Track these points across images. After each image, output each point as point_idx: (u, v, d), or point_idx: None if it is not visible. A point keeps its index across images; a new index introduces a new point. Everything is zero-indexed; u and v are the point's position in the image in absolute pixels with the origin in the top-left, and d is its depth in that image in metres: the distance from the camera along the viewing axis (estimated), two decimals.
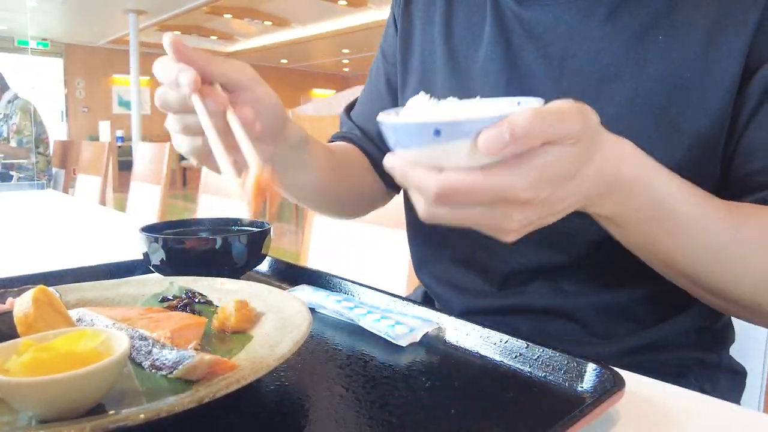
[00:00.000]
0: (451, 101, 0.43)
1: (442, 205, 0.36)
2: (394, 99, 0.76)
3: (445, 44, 0.67)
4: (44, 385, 0.31)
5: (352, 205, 0.79)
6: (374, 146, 0.76)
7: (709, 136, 0.52)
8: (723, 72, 0.50)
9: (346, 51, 11.74)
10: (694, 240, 0.45)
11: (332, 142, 0.80)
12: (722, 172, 0.54)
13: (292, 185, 0.65)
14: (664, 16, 0.53)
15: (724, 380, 0.64)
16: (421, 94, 0.40)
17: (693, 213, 0.44)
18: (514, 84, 0.60)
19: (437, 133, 0.34)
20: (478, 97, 0.45)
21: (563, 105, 0.35)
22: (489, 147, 0.33)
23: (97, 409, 0.34)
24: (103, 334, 0.37)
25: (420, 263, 0.74)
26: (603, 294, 0.59)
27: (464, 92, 0.63)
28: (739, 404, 0.60)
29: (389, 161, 0.38)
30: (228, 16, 8.81)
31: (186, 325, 0.43)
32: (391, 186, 0.79)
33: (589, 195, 0.40)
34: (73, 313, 0.46)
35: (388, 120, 0.36)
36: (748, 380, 0.67)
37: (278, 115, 0.53)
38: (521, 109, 0.34)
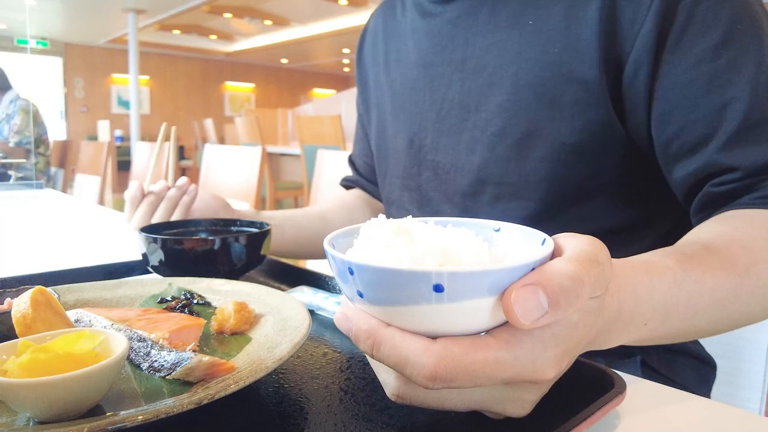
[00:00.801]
0: (419, 224, 0.33)
1: (432, 386, 0.26)
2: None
3: (386, 78, 0.77)
4: (42, 386, 0.31)
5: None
6: (373, 185, 0.92)
7: (588, 105, 0.55)
8: (585, 42, 0.54)
9: (346, 51, 11.73)
10: (689, 324, 0.43)
11: (344, 185, 0.98)
12: (647, 143, 0.56)
13: (283, 253, 0.87)
14: (532, 2, 0.58)
15: (689, 369, 0.63)
16: (381, 216, 0.33)
17: (696, 287, 0.42)
18: (435, 97, 0.68)
19: (438, 289, 0.25)
20: (449, 224, 0.35)
21: (594, 250, 0.29)
22: (524, 314, 0.25)
23: (95, 411, 0.34)
24: (101, 335, 0.37)
25: None
26: None
27: (403, 113, 0.73)
28: (709, 398, 0.59)
29: (343, 319, 0.30)
30: (228, 15, 8.81)
31: (184, 327, 0.43)
32: None
33: (592, 343, 0.35)
34: (72, 314, 0.46)
35: (353, 259, 0.28)
36: (748, 382, 0.67)
37: (217, 198, 0.83)
38: (546, 253, 0.27)
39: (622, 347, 0.59)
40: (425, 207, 0.70)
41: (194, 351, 0.39)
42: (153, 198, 0.75)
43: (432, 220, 0.37)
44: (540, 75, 0.56)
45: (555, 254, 0.30)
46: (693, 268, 0.43)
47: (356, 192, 0.96)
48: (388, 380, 0.30)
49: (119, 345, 0.36)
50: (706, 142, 0.50)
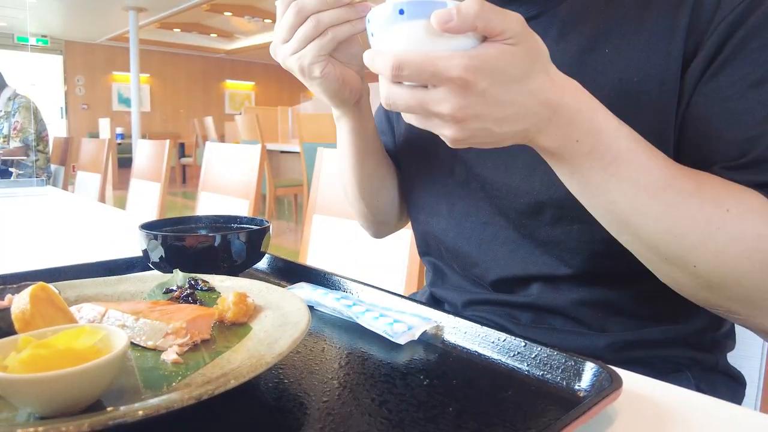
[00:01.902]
0: None
1: (396, 82, 0.41)
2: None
3: None
4: (43, 382, 0.31)
5: (384, 214, 0.83)
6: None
7: (662, 137, 0.54)
8: (666, 74, 0.53)
9: None
10: (633, 179, 0.46)
11: None
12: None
13: (364, 138, 0.72)
14: (607, 31, 0.57)
15: (722, 384, 0.64)
16: None
17: (632, 149, 0.46)
18: None
19: (401, 12, 0.40)
20: None
21: (509, 11, 0.40)
22: (437, 21, 0.38)
23: (95, 406, 0.34)
24: (102, 330, 0.37)
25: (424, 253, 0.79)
26: (595, 293, 0.59)
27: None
28: None
29: (366, 56, 0.43)
30: (228, 13, 8.80)
31: (198, 316, 0.45)
32: None
33: (531, 115, 0.42)
34: (78, 308, 0.47)
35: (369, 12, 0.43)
36: (744, 378, 0.67)
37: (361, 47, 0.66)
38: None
39: (672, 363, 0.60)
40: (472, 216, 0.68)
41: (204, 340, 0.41)
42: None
43: None
44: (615, 104, 0.54)
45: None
46: (640, 139, 0.47)
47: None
48: (446, 100, 0.40)
49: (120, 340, 0.36)
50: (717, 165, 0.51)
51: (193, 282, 0.56)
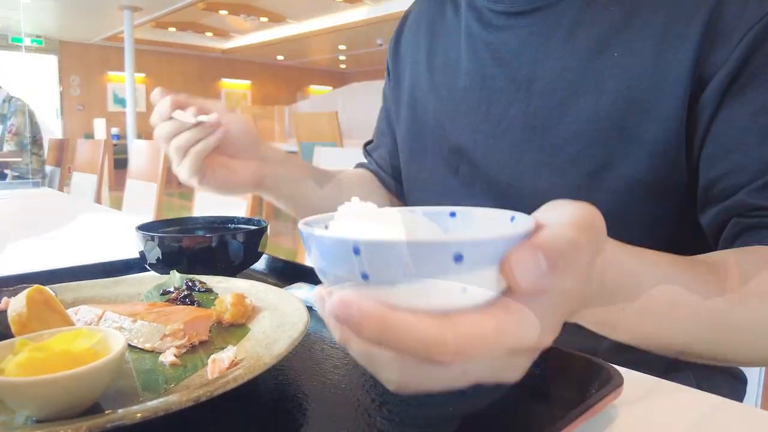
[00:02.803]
0: (388, 212, 0.33)
1: (453, 362, 0.25)
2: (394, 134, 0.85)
3: (430, 79, 0.74)
4: (40, 385, 0.31)
5: None
6: (390, 178, 0.87)
7: (667, 144, 0.54)
8: (674, 82, 0.53)
9: (342, 47, 11.71)
10: (682, 329, 0.41)
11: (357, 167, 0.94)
12: (691, 185, 0.56)
13: (290, 198, 0.74)
14: (617, 33, 0.56)
15: (723, 382, 0.64)
16: (354, 199, 0.32)
17: (680, 294, 0.40)
18: (493, 112, 0.65)
19: (458, 258, 0.25)
20: (419, 210, 0.36)
21: (592, 216, 0.29)
22: (522, 276, 0.26)
23: (94, 408, 0.34)
24: (99, 333, 0.37)
25: None
26: None
27: (449, 121, 0.70)
28: None
29: (341, 306, 0.26)
30: (223, 12, 8.78)
31: (196, 318, 0.45)
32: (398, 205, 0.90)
33: (575, 312, 0.34)
34: (75, 310, 0.46)
35: (361, 237, 0.26)
36: (745, 375, 0.67)
37: (249, 133, 0.66)
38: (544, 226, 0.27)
39: (673, 361, 0.58)
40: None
41: (202, 342, 0.40)
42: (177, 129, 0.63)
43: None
44: (623, 108, 0.55)
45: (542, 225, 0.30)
46: (686, 273, 0.41)
47: (364, 173, 0.89)
48: (389, 369, 0.28)
49: (117, 343, 0.36)
50: (745, 188, 0.50)
51: (190, 283, 0.55)
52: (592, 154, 0.58)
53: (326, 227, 0.32)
